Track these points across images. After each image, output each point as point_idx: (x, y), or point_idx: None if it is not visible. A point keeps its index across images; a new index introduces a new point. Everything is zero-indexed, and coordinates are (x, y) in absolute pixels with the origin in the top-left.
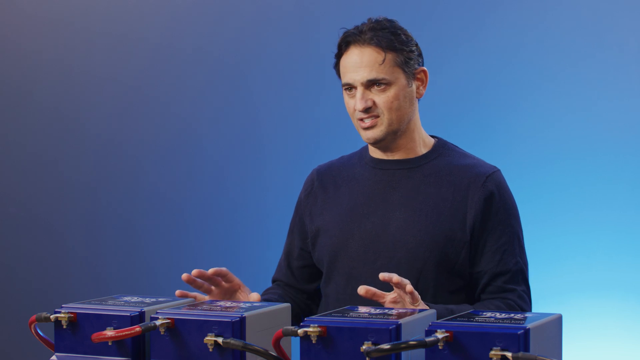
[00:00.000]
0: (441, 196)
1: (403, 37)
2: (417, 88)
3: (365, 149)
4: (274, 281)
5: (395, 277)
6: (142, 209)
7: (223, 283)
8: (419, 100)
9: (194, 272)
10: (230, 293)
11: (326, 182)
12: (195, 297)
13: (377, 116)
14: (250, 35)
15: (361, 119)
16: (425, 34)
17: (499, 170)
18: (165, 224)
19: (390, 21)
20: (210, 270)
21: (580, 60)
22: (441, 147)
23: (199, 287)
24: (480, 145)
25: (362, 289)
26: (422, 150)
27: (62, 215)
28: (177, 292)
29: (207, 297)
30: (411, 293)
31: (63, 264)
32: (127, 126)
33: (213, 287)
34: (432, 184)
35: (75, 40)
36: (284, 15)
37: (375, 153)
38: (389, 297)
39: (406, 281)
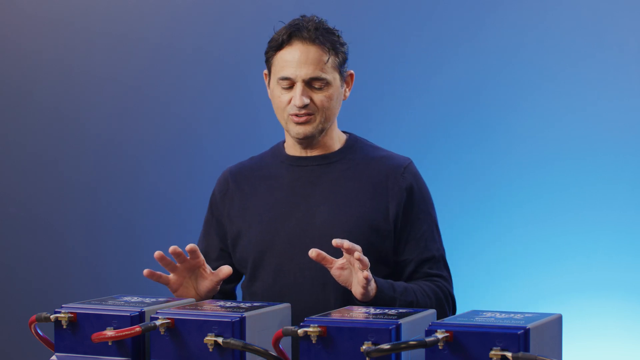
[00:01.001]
0: (361, 188)
1: (340, 39)
2: (345, 90)
3: (278, 147)
4: None
5: (346, 243)
6: (142, 209)
7: (189, 260)
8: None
9: (171, 249)
10: (193, 271)
11: (241, 182)
12: (160, 277)
13: (312, 114)
14: (250, 35)
15: (295, 114)
16: (425, 34)
17: (412, 161)
18: (165, 224)
19: (325, 22)
20: (187, 247)
21: (580, 60)
22: (354, 141)
23: (166, 265)
24: (481, 145)
25: (313, 252)
26: (338, 146)
27: (62, 215)
28: (145, 271)
29: (171, 275)
30: (360, 260)
31: (63, 264)
32: (127, 126)
33: (178, 265)
34: (350, 178)
35: (75, 40)
36: (284, 15)
37: (292, 150)
38: (337, 263)
39: (357, 247)
